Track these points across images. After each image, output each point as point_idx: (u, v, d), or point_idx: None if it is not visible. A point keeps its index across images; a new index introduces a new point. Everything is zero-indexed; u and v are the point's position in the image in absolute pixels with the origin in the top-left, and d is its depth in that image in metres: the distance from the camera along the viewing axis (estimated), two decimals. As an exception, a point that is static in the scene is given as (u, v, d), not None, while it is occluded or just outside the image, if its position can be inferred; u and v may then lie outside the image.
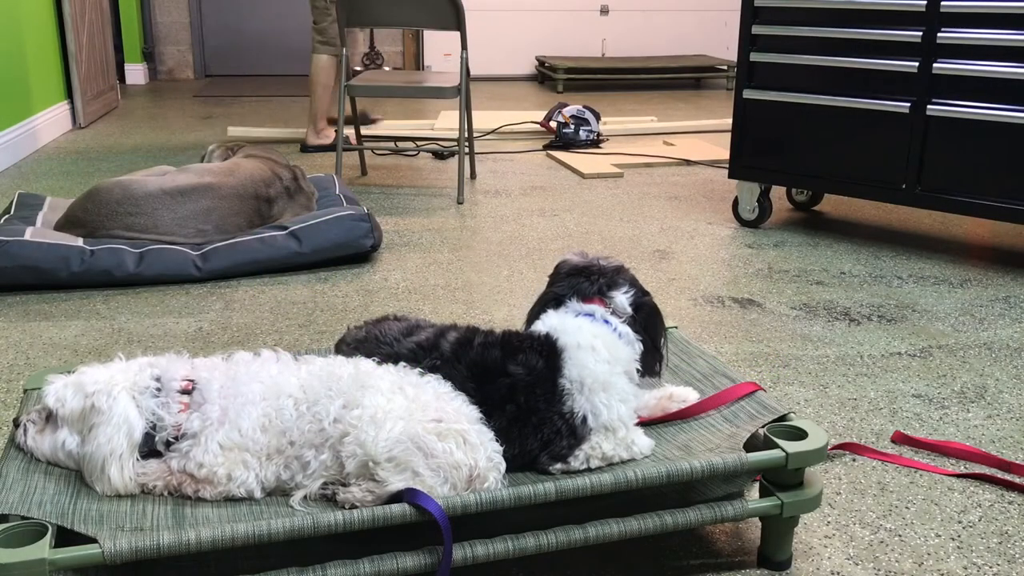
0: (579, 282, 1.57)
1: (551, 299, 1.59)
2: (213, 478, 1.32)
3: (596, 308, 1.54)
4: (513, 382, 1.45)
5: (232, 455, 1.33)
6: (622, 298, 1.55)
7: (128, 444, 1.32)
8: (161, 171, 3.20)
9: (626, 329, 1.53)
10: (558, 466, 1.43)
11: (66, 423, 1.34)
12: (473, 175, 4.17)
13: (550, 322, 1.54)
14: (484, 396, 1.45)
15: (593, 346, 1.47)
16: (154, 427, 1.35)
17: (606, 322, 1.52)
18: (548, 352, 1.47)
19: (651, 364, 1.57)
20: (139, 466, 1.34)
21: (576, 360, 1.46)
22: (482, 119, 5.35)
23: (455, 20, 3.79)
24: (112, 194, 2.95)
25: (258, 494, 1.34)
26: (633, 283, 1.59)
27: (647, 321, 1.57)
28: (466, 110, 3.96)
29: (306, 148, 4.81)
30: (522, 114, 5.71)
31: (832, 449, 1.88)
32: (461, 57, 3.86)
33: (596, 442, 1.44)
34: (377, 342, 1.56)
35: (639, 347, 1.54)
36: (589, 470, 1.43)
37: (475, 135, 4.94)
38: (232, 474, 1.32)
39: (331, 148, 4.74)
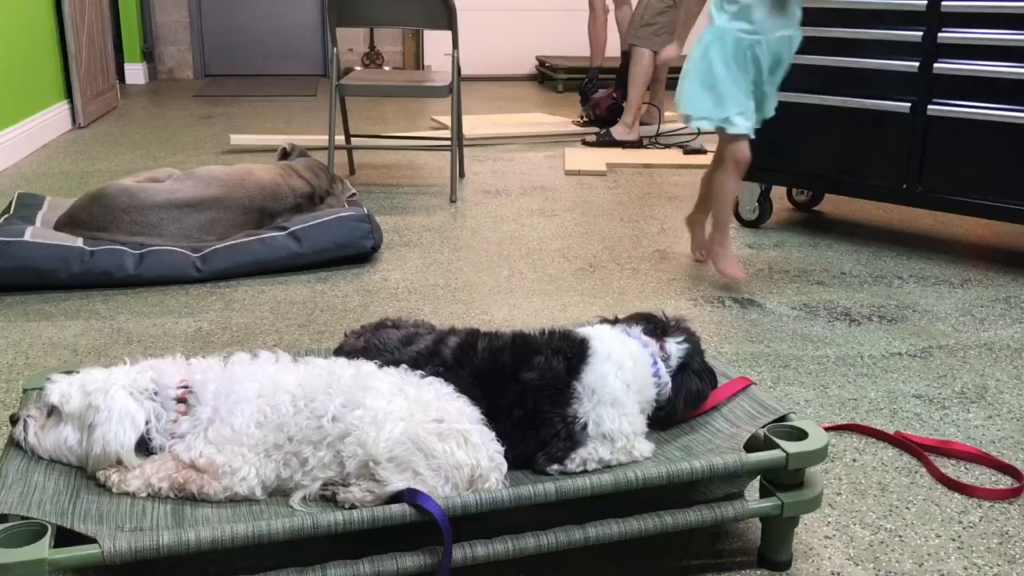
0: (646, 319, 1.60)
1: (613, 320, 1.63)
2: (211, 468, 1.32)
3: (652, 343, 1.55)
4: (523, 388, 1.44)
5: (225, 450, 1.33)
6: (675, 346, 1.56)
7: (135, 435, 1.33)
8: (167, 174, 3.18)
9: (665, 375, 1.52)
10: (555, 467, 1.42)
11: (71, 419, 1.34)
12: (462, 174, 4.17)
13: (599, 330, 1.55)
14: (491, 403, 1.43)
15: (622, 363, 1.47)
16: (149, 432, 1.36)
17: (653, 358, 1.52)
18: (574, 353, 1.47)
19: (659, 417, 1.54)
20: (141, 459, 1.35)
21: (598, 369, 1.45)
22: (512, 122, 5.51)
23: (447, 19, 3.79)
24: (119, 201, 2.92)
25: (259, 493, 1.34)
26: (691, 340, 1.58)
27: (683, 381, 1.54)
28: (457, 109, 3.97)
29: (607, 141, 4.94)
30: (536, 116, 5.78)
31: (835, 427, 1.94)
32: (452, 56, 3.87)
33: (593, 448, 1.42)
34: (377, 352, 1.54)
35: (663, 394, 1.52)
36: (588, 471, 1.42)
37: (511, 136, 5.18)
38: (232, 464, 1.32)
39: (637, 144, 4.94)
